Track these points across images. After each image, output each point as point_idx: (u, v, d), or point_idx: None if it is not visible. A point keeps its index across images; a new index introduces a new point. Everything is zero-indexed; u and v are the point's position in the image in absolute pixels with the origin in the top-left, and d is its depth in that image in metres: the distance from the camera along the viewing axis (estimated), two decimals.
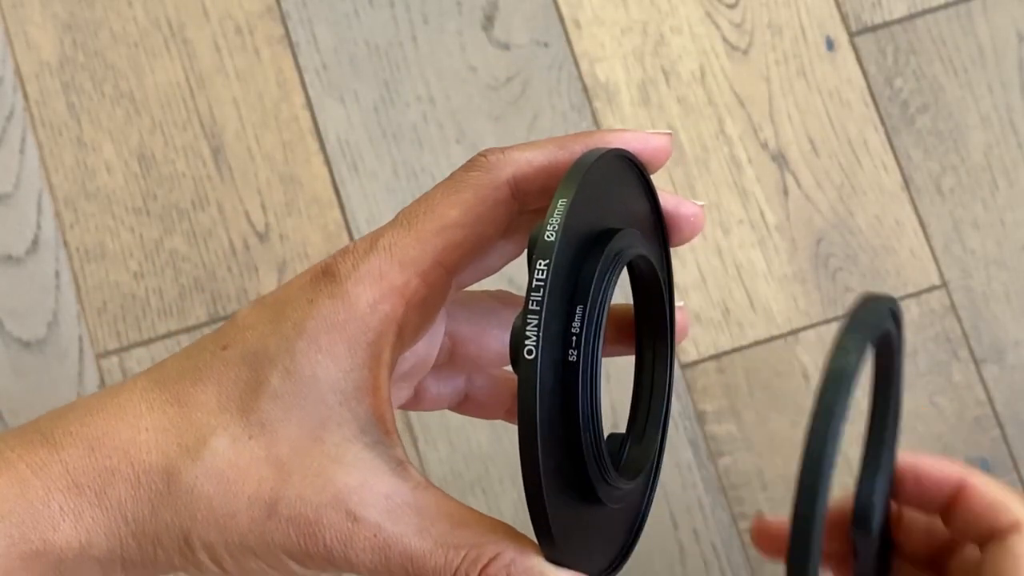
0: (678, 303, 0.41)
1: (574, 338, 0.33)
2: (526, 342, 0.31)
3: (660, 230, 0.39)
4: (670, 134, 0.38)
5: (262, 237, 0.77)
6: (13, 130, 0.79)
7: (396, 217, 0.37)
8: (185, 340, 0.76)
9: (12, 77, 0.80)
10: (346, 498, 0.34)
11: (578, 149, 0.36)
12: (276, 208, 0.78)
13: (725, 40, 0.80)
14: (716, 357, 0.76)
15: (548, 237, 0.32)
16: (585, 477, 0.34)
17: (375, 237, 0.36)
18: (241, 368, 0.35)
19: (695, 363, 0.76)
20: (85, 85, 0.79)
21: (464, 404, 0.44)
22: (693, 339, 0.76)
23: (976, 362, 0.76)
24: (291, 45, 0.80)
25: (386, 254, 0.35)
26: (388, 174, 0.78)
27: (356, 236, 0.78)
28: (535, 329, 0.31)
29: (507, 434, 0.75)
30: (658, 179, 0.38)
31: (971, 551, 0.42)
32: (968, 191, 0.78)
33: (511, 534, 0.34)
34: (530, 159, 0.36)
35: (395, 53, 0.80)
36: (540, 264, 0.32)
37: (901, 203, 0.78)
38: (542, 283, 0.32)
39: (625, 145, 0.37)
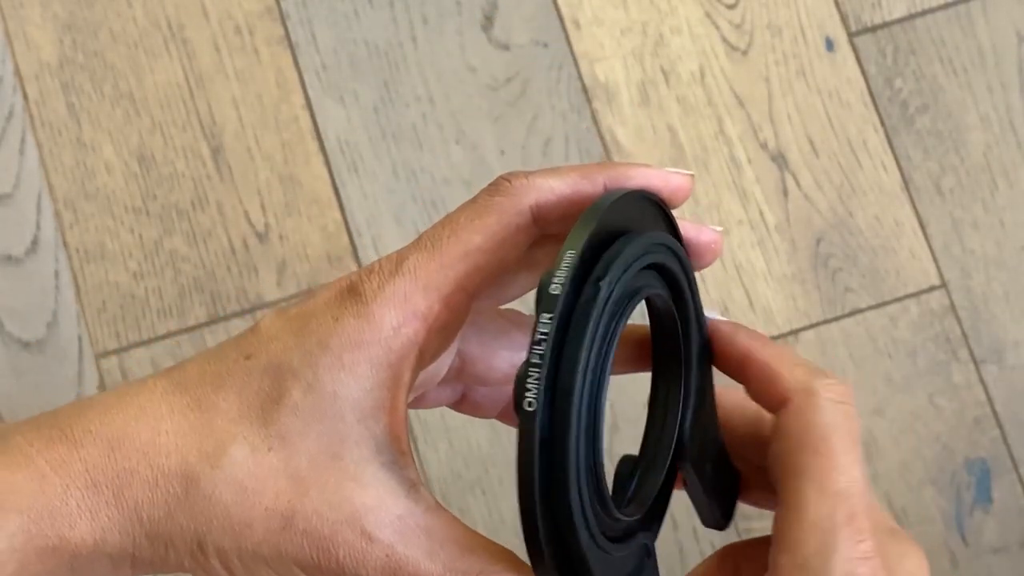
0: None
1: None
2: (526, 395, 0.31)
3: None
4: (692, 174, 0.38)
5: (262, 237, 0.77)
6: (13, 130, 0.79)
7: (420, 238, 0.37)
8: (185, 340, 0.76)
9: (12, 77, 0.80)
10: (362, 517, 0.35)
11: (601, 180, 0.37)
12: (276, 208, 0.78)
13: (725, 40, 0.80)
14: None
15: (553, 291, 0.32)
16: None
17: (400, 258, 0.37)
18: (263, 379, 0.36)
19: None
20: (85, 85, 0.79)
21: (461, 405, 0.44)
22: None
23: (976, 362, 0.76)
24: (291, 45, 0.80)
25: (411, 277, 0.36)
26: (388, 174, 0.78)
27: (356, 236, 0.78)
28: (536, 383, 0.31)
29: (507, 435, 0.75)
30: None
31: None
32: (968, 191, 0.78)
33: (515, 563, 0.36)
34: (553, 187, 0.37)
35: (395, 53, 0.80)
36: (544, 318, 0.32)
37: (901, 203, 0.78)
38: (545, 337, 0.32)
39: (645, 182, 0.37)
